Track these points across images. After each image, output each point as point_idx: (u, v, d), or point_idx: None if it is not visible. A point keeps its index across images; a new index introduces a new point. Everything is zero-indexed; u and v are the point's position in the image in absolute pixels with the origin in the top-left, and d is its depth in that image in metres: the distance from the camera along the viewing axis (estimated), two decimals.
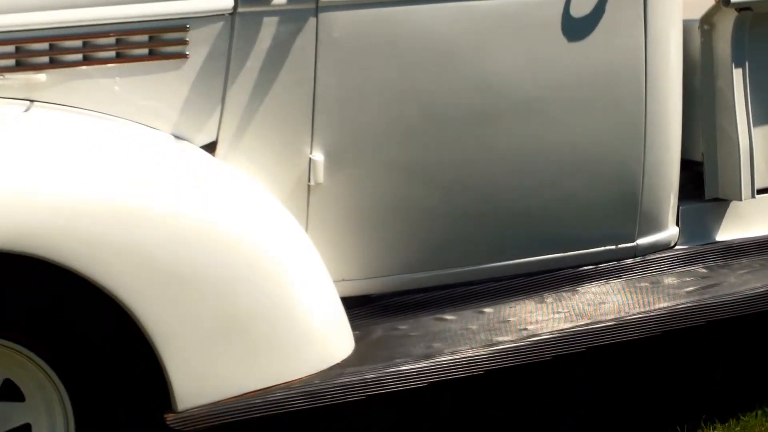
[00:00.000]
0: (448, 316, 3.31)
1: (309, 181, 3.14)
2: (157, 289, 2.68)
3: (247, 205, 2.90)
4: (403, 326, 3.24)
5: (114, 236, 2.65)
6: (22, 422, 2.81)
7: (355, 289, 3.28)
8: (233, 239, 2.80)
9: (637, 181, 3.49)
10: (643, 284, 3.49)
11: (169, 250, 2.70)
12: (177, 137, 3.05)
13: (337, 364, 2.98)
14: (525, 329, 3.24)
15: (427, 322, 3.29)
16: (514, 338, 3.16)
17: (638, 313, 3.28)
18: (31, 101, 2.96)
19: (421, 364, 3.02)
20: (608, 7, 3.33)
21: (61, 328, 2.69)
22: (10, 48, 2.91)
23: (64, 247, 2.58)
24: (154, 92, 3.03)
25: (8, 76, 2.92)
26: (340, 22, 3.10)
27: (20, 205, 2.57)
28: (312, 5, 3.05)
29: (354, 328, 3.11)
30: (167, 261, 2.70)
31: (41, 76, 2.94)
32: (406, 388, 3.01)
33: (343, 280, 3.20)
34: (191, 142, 3.06)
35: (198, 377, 2.77)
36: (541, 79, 3.34)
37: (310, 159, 3.13)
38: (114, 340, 2.76)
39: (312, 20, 3.07)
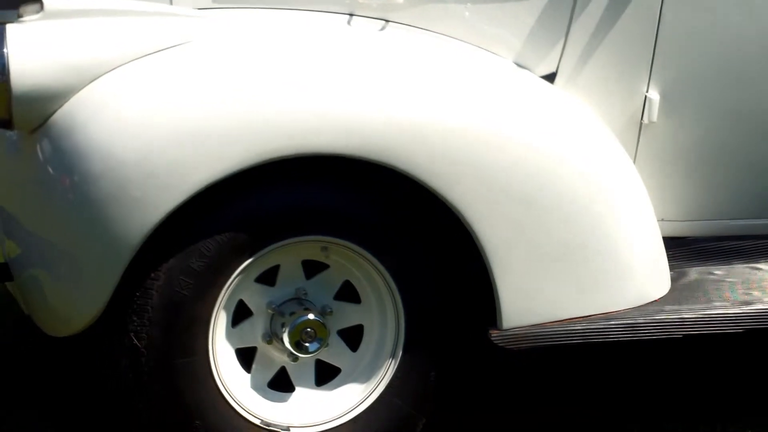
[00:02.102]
0: (764, 266, 3.29)
1: (642, 119, 3.17)
2: (497, 209, 2.78)
3: (588, 138, 2.96)
4: (718, 271, 3.25)
5: (463, 155, 2.76)
6: (356, 323, 2.97)
7: (672, 229, 3.30)
8: (573, 169, 2.88)
9: None
10: None
11: (512, 174, 2.79)
12: (519, 66, 3.11)
13: (655, 301, 3.02)
14: None
15: (743, 269, 3.28)
16: None
17: None
18: (387, 21, 3.07)
19: (740, 310, 3.03)
20: None
21: (404, 238, 2.82)
22: None
23: (418, 161, 2.70)
24: (501, 21, 3.12)
25: None
26: None
27: (382, 120, 2.70)
28: None
29: (669, 268, 3.12)
30: (510, 184, 2.79)
31: None
32: (723, 332, 3.01)
33: (662, 220, 3.22)
34: (532, 72, 3.11)
35: (525, 298, 2.86)
36: None
37: (645, 97, 3.15)
38: (450, 255, 2.86)
39: None
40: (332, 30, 2.98)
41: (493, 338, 2.87)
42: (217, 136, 2.57)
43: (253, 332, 2.90)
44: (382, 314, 2.93)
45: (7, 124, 2.68)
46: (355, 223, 2.77)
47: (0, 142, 2.93)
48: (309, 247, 2.83)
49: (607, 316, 2.91)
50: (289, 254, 2.83)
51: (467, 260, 2.87)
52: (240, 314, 2.88)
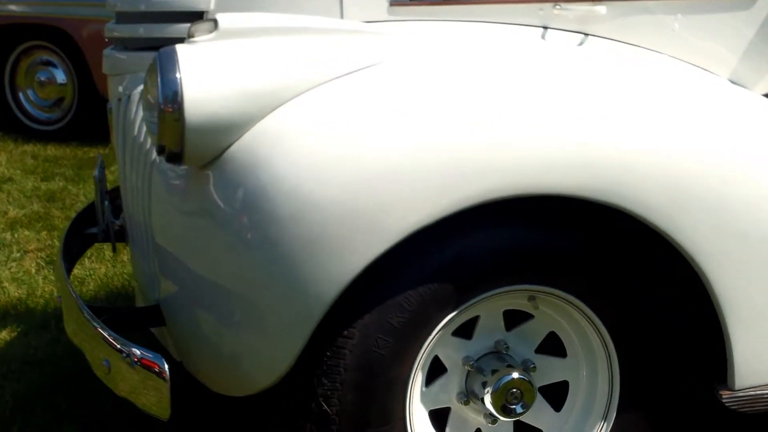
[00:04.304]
0: None
1: None
2: (731, 253, 2.42)
3: None
4: None
5: (692, 193, 2.38)
6: (559, 379, 2.62)
7: None
8: None
9: None
10: None
11: (747, 213, 2.43)
12: (735, 83, 2.73)
13: None
14: None
15: None
16: None
17: None
18: (586, 34, 2.71)
19: None
20: None
21: (625, 287, 2.44)
22: None
23: (647, 200, 2.33)
24: (715, 33, 2.75)
25: (565, 6, 2.68)
26: None
27: (609, 155, 2.33)
28: None
29: None
30: (745, 224, 2.42)
31: (601, 8, 2.70)
32: None
33: None
34: (750, 90, 2.73)
35: (762, 354, 2.49)
36: None
37: None
38: (677, 305, 2.49)
39: None
40: (533, 49, 2.61)
41: (723, 400, 2.49)
42: (435, 171, 2.22)
43: (447, 391, 2.56)
44: (592, 370, 2.57)
45: (177, 157, 2.34)
46: (574, 271, 2.41)
47: (155, 176, 2.58)
48: (516, 296, 2.46)
49: None
50: (492, 305, 2.47)
51: (694, 310, 2.48)
52: (432, 371, 2.52)
